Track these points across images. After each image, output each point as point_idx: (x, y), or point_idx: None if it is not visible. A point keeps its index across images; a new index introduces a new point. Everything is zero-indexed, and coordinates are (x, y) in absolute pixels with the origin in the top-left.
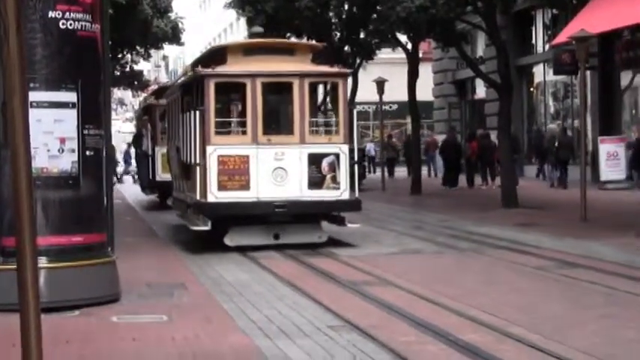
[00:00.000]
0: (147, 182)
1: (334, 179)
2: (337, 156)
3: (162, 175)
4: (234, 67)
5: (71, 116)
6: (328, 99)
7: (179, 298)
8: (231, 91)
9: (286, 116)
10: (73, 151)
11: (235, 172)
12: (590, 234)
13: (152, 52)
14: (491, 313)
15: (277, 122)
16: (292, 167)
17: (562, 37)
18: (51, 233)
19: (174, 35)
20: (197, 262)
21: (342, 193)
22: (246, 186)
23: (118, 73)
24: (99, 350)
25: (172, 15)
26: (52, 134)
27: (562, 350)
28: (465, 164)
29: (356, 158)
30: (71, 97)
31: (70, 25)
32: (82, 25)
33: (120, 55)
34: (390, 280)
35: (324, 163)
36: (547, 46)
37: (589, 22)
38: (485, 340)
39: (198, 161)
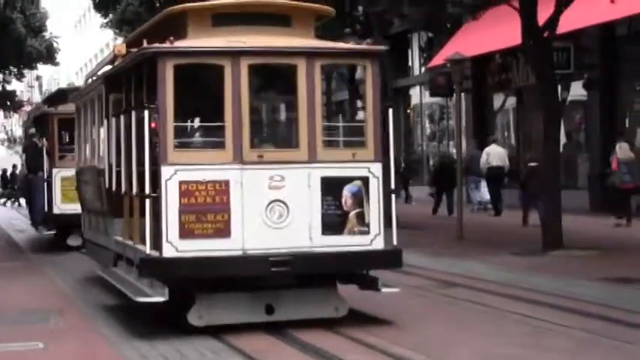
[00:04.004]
0: (42, 216)
1: (361, 218)
2: (365, 181)
3: (62, 206)
4: (202, 40)
5: None
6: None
7: (56, 323)
8: (200, 80)
9: (287, 119)
10: None
11: (207, 209)
12: (467, 253)
13: (25, 71)
14: (375, 334)
15: (273, 128)
16: (297, 200)
17: (438, 60)
18: None
19: (48, 55)
20: (73, 285)
21: (374, 239)
22: (224, 231)
23: None
24: None
25: (47, 34)
26: None
27: None
28: None
29: (393, 184)
30: None
31: None
32: None
33: None
34: None
35: (346, 193)
36: (423, 69)
37: (463, 46)
38: None
39: (144, 191)
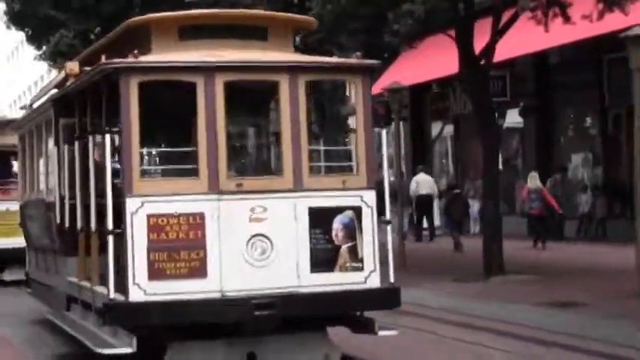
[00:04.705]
0: None
1: (354, 253)
2: (358, 211)
3: None
4: (168, 55)
5: None
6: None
7: None
8: (169, 100)
9: (269, 142)
10: None
11: (180, 246)
12: (411, 281)
13: None
14: None
15: (253, 153)
16: (282, 234)
17: (376, 89)
18: None
19: None
20: (13, 327)
21: (369, 276)
22: (200, 270)
23: None
24: None
25: None
26: None
27: None
28: None
29: (388, 214)
30: None
31: None
32: None
33: None
34: None
35: (337, 225)
36: None
37: (401, 75)
38: None
39: (106, 227)
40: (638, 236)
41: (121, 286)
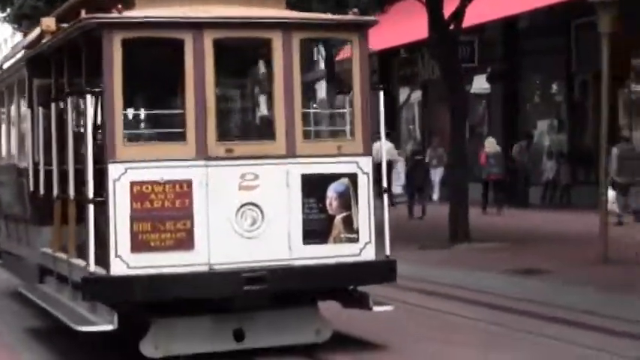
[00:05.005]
0: None
1: (349, 223)
2: (354, 179)
3: None
4: (153, 11)
5: None
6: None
7: None
8: (155, 58)
9: (261, 105)
10: None
11: (166, 216)
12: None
13: None
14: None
15: (244, 116)
16: (273, 203)
17: (345, 54)
18: None
19: None
20: None
21: (364, 248)
22: (187, 242)
23: None
24: None
25: None
26: None
27: None
28: None
29: (385, 182)
30: None
31: None
32: None
33: None
34: None
35: (331, 194)
36: None
37: (369, 39)
38: None
39: (86, 195)
40: (602, 203)
41: (102, 258)
